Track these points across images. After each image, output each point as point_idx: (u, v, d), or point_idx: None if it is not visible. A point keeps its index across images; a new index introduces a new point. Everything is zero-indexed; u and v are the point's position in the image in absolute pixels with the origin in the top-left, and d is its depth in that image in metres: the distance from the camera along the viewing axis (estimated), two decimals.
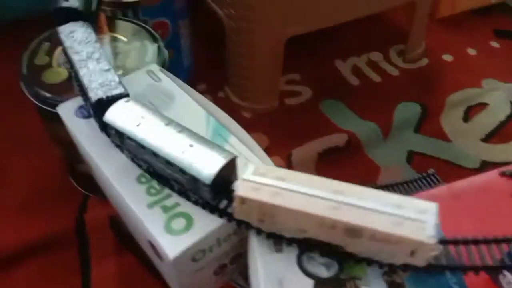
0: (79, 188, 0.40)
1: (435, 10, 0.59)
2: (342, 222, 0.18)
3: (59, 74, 0.32)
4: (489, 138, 0.46)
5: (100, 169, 0.25)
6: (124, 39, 0.35)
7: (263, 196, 0.19)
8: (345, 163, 0.43)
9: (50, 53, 0.34)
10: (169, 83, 0.30)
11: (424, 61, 0.54)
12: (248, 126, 0.46)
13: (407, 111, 0.48)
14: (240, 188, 0.20)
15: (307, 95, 0.50)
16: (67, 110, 0.28)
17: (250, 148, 0.26)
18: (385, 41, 0.57)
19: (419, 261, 0.19)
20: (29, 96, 0.31)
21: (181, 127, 0.22)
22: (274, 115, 0.48)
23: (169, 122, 0.22)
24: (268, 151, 0.43)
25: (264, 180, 0.20)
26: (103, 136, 0.26)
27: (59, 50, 0.34)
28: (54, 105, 0.31)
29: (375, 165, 0.43)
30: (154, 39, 0.35)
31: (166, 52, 0.35)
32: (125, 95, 0.24)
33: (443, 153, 0.44)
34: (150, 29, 0.36)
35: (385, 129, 0.46)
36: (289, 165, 0.42)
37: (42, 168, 0.42)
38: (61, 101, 0.30)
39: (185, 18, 0.45)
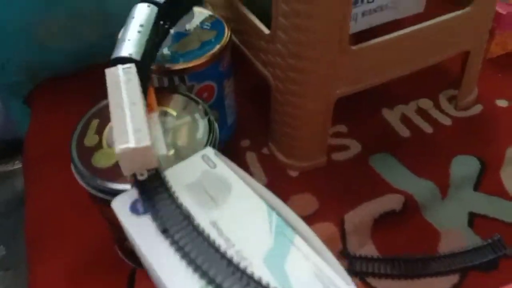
0: (127, 260, 0.39)
1: (485, 50, 0.56)
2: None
3: (109, 156, 0.31)
4: None
5: (159, 276, 0.23)
6: (174, 113, 0.34)
7: None
8: (402, 228, 0.41)
9: (99, 131, 0.33)
10: (225, 169, 0.28)
11: (478, 108, 0.52)
12: (295, 186, 0.44)
13: (464, 166, 0.45)
14: None
15: (356, 149, 0.48)
16: (122, 205, 0.27)
17: (317, 249, 0.24)
18: (434, 86, 0.54)
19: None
20: (80, 182, 0.31)
21: None
22: (322, 172, 0.46)
23: None
24: (318, 215, 0.42)
25: None
26: (161, 239, 0.24)
27: (108, 127, 0.34)
28: (105, 191, 0.30)
29: (435, 230, 0.41)
30: (205, 111, 0.34)
31: (217, 126, 0.34)
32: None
33: (506, 214, 0.41)
34: (199, 100, 0.35)
35: (443, 188, 0.43)
36: (342, 233, 0.40)
37: (91, 236, 0.41)
38: (113, 188, 0.30)
39: (230, 78, 0.44)
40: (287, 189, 0.44)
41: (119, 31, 0.54)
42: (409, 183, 0.44)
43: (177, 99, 0.36)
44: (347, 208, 0.42)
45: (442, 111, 0.51)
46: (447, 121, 0.50)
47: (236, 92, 0.47)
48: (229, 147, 0.48)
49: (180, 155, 0.31)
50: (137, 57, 0.31)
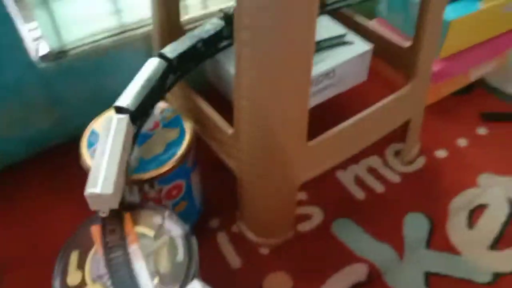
0: None
1: None
2: None
3: None
4: (495, 244, 0.48)
5: None
6: (151, 233, 0.36)
7: None
8: None
9: (81, 264, 0.34)
10: None
11: (421, 161, 0.57)
12: (269, 265, 0.47)
13: (415, 225, 0.50)
14: None
15: (318, 217, 0.51)
16: None
17: None
18: (380, 141, 0.59)
19: None
20: None
21: None
22: (291, 247, 0.48)
23: None
24: None
25: None
26: None
27: (90, 256, 0.34)
28: None
29: None
30: (182, 231, 0.36)
31: (194, 241, 0.35)
32: None
33: (455, 270, 0.47)
34: (174, 215, 0.37)
35: (399, 249, 0.48)
36: None
37: None
38: None
39: (195, 168, 0.46)
40: (261, 269, 0.47)
41: (70, 116, 0.55)
42: (370, 249, 0.48)
43: (152, 215, 0.37)
44: (319, 283, 0.45)
45: (390, 167, 0.56)
46: (396, 178, 0.55)
47: (203, 173, 0.49)
48: (199, 228, 0.49)
49: (164, 282, 0.33)
50: (132, 108, 0.37)
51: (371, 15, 0.64)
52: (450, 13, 0.54)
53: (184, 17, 0.53)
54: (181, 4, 0.47)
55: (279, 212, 0.46)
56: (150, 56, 0.41)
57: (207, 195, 0.51)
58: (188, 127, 0.44)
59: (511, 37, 0.63)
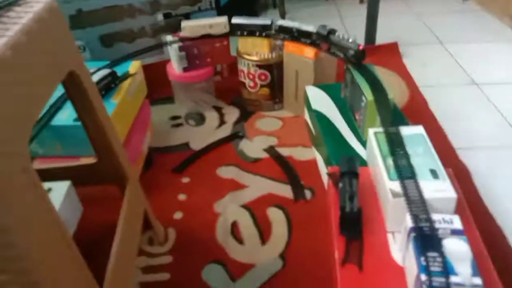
0: None
1: None
2: None
3: None
4: (263, 240, 0.60)
5: None
6: None
7: None
8: None
9: None
10: None
11: (172, 233, 0.62)
12: None
13: (215, 274, 0.55)
14: None
15: None
16: None
17: None
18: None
19: None
20: None
21: None
22: None
23: None
24: None
25: None
26: None
27: None
28: None
29: None
30: None
31: None
32: None
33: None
34: None
35: None
36: None
37: None
38: None
39: None
40: None
41: None
42: None
43: None
44: None
45: (154, 255, 0.59)
46: (167, 259, 0.58)
47: None
48: None
49: None
50: None
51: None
52: None
53: None
54: None
55: None
56: None
57: None
58: None
59: (144, 110, 0.77)
